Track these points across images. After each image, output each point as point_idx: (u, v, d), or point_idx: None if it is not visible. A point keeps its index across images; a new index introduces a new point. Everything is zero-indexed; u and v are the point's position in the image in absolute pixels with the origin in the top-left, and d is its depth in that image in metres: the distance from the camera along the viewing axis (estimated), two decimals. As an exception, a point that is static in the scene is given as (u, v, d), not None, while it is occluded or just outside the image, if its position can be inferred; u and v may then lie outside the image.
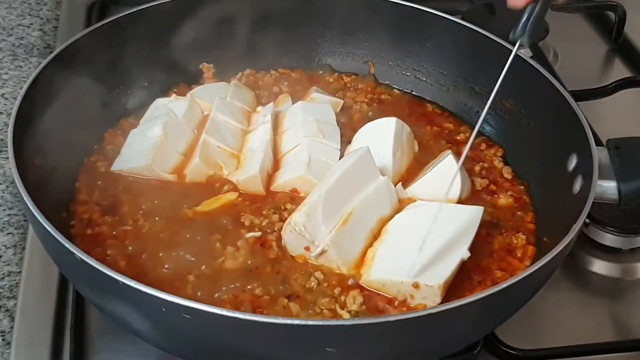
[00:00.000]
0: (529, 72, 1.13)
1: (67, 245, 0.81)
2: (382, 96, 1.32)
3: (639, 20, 1.66)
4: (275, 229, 1.02)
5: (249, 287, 0.95)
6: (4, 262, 1.10)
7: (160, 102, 1.20)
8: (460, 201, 1.08)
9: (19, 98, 0.99)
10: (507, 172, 1.17)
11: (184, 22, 1.25)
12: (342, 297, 0.94)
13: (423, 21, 1.27)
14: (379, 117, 1.17)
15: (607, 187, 0.97)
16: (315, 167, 1.08)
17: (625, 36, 1.64)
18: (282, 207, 1.05)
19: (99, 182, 1.09)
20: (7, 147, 0.93)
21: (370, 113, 1.26)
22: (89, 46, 1.14)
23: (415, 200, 1.06)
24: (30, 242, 1.11)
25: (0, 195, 1.20)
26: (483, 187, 1.13)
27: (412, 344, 0.82)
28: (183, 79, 1.29)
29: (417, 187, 1.09)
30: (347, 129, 1.20)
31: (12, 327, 1.01)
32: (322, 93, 1.28)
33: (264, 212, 1.05)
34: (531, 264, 0.99)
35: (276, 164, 1.13)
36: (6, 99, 1.38)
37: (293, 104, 1.24)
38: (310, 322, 0.76)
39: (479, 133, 1.24)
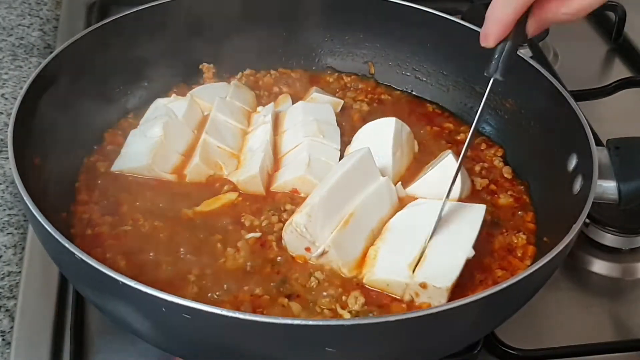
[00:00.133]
0: (529, 72, 1.13)
1: (67, 246, 0.81)
2: (382, 96, 1.32)
3: (639, 20, 1.66)
4: (275, 229, 1.02)
5: (249, 287, 0.95)
6: (4, 262, 1.10)
7: (160, 102, 1.20)
8: (460, 200, 1.08)
9: (19, 98, 0.99)
10: (507, 172, 1.17)
11: (184, 22, 1.25)
12: (344, 297, 0.94)
13: (423, 21, 1.27)
14: (379, 117, 1.17)
15: (607, 187, 0.97)
16: (316, 168, 1.08)
17: (625, 36, 1.64)
18: (282, 208, 1.05)
19: (99, 182, 1.09)
20: (7, 147, 0.93)
21: (370, 113, 1.26)
22: (89, 46, 1.14)
23: (415, 199, 1.06)
24: (30, 242, 1.11)
25: (0, 195, 1.20)
26: (483, 187, 1.13)
27: (412, 344, 0.82)
28: (183, 79, 1.29)
29: (417, 187, 1.09)
30: (347, 129, 1.20)
31: (12, 327, 1.01)
32: (322, 93, 1.28)
33: (263, 213, 1.05)
34: (531, 263, 0.99)
35: (276, 164, 1.13)
36: (6, 99, 1.38)
37: (293, 104, 1.24)
38: (310, 322, 0.76)
39: (479, 133, 1.25)
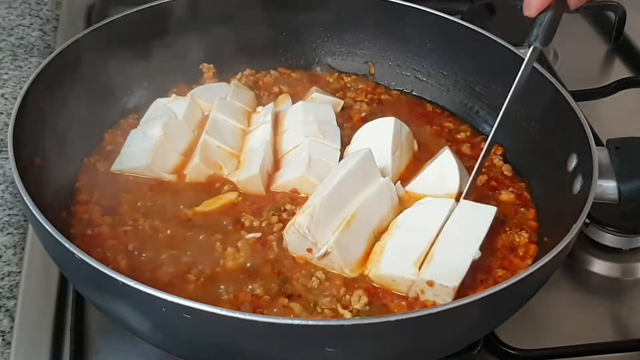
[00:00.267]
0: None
1: (67, 246, 0.81)
2: (382, 96, 1.32)
3: (639, 20, 1.66)
4: (275, 229, 1.02)
5: (249, 287, 0.95)
6: (4, 262, 1.10)
7: (160, 102, 1.20)
8: (460, 196, 1.08)
9: (19, 98, 0.99)
10: (507, 170, 1.17)
11: (184, 22, 1.25)
12: (347, 297, 0.94)
13: (423, 21, 1.27)
14: (379, 117, 1.17)
15: (607, 187, 0.97)
16: (316, 168, 1.08)
17: (625, 36, 1.64)
18: (282, 208, 1.05)
19: (99, 182, 1.09)
20: (7, 147, 0.93)
21: (370, 113, 1.26)
22: (89, 46, 1.14)
23: (414, 196, 1.06)
24: (30, 242, 1.11)
25: (0, 195, 1.20)
26: (483, 183, 1.13)
27: (412, 343, 0.82)
28: (183, 79, 1.29)
29: (415, 184, 1.09)
30: (347, 129, 1.20)
31: (12, 327, 1.01)
32: (322, 93, 1.28)
33: (264, 213, 1.05)
34: (533, 262, 0.99)
35: (276, 164, 1.13)
36: (6, 99, 1.38)
37: (293, 104, 1.24)
38: (310, 322, 0.76)
39: (479, 132, 1.25)
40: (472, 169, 1.15)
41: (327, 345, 0.77)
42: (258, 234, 1.02)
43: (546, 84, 1.11)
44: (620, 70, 1.58)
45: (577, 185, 0.99)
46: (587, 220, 1.15)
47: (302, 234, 0.96)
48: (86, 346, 0.98)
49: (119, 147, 1.14)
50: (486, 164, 1.18)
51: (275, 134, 1.16)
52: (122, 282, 0.77)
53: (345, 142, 1.15)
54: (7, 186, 1.21)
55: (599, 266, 1.16)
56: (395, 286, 0.95)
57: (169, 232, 1.02)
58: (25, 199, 0.86)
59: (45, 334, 0.99)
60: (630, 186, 0.97)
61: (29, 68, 1.46)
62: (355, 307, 0.93)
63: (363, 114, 1.26)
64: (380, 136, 1.12)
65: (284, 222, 1.02)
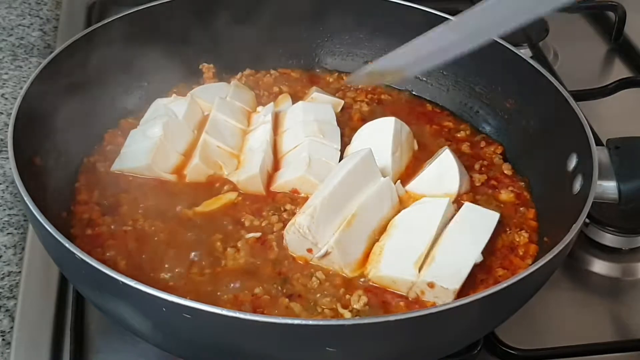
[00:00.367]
0: (529, 72, 1.13)
1: (67, 246, 0.81)
2: (382, 96, 1.32)
3: (639, 20, 1.66)
4: (275, 229, 1.02)
5: (249, 287, 0.95)
6: (4, 262, 1.10)
7: (160, 102, 1.20)
8: (459, 196, 1.08)
9: (19, 98, 0.99)
10: (507, 169, 1.17)
11: (183, 22, 1.25)
12: (347, 296, 0.94)
13: (423, 21, 1.26)
14: (379, 117, 1.17)
15: (607, 187, 0.97)
16: (316, 168, 1.08)
17: (625, 36, 1.64)
18: (282, 208, 1.05)
19: (99, 182, 1.09)
20: (7, 147, 0.93)
21: (370, 113, 1.26)
22: (89, 46, 1.14)
23: (414, 196, 1.07)
24: (30, 242, 1.11)
25: (0, 195, 1.20)
26: (482, 182, 1.13)
27: (412, 343, 0.82)
28: (183, 79, 1.29)
29: (415, 184, 1.09)
30: (347, 129, 1.20)
31: (12, 327, 1.01)
32: (322, 93, 1.28)
33: (263, 213, 1.05)
34: (533, 262, 0.99)
35: (276, 164, 1.13)
36: (6, 99, 1.38)
37: (293, 104, 1.24)
38: (311, 322, 0.76)
39: (478, 132, 1.25)
40: (472, 168, 1.16)
41: (327, 345, 0.77)
42: (258, 234, 1.02)
43: (546, 84, 1.11)
44: (620, 70, 1.58)
45: (577, 185, 0.99)
46: (587, 220, 1.15)
47: (303, 234, 0.96)
48: (86, 346, 0.98)
49: (119, 147, 1.14)
50: (485, 162, 1.18)
51: (275, 134, 1.16)
52: (122, 282, 0.77)
53: (345, 142, 1.15)
54: (7, 186, 1.21)
55: (599, 266, 1.16)
56: (396, 287, 0.95)
57: (169, 232, 1.02)
58: (25, 199, 0.86)
59: (45, 334, 0.99)
60: (630, 186, 0.97)
61: (29, 68, 1.46)
62: (355, 307, 0.93)
63: (363, 114, 1.26)
64: (380, 136, 1.12)
65: (284, 222, 1.02)
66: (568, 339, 1.04)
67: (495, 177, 1.15)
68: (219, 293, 0.94)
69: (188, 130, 1.15)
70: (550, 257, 0.83)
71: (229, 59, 1.31)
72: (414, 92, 1.33)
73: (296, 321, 0.75)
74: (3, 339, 1.00)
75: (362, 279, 0.97)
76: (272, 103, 1.23)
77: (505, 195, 1.12)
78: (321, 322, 0.79)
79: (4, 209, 1.18)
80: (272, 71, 1.34)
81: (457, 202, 1.07)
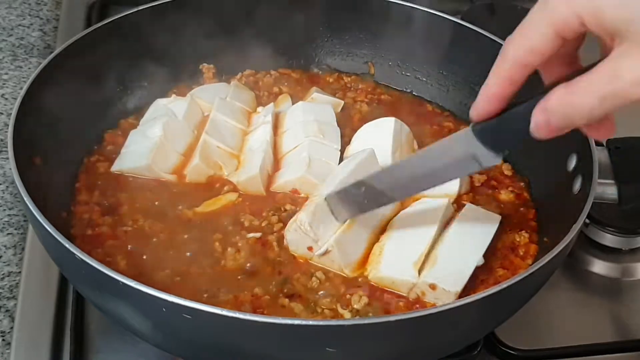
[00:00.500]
0: (528, 72, 1.13)
1: (67, 246, 0.81)
2: (382, 96, 1.32)
3: (638, 20, 1.66)
4: (275, 229, 1.02)
5: (249, 287, 0.95)
6: (4, 262, 1.10)
7: (160, 102, 1.20)
8: (459, 196, 1.08)
9: (19, 98, 0.99)
10: (506, 169, 1.17)
11: (183, 22, 1.25)
12: (347, 297, 0.94)
13: (423, 21, 1.27)
14: (379, 117, 1.17)
15: (607, 187, 0.97)
16: (316, 168, 1.08)
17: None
18: (283, 209, 1.05)
19: (99, 182, 1.09)
20: (7, 147, 0.93)
21: (370, 113, 1.26)
22: (89, 46, 1.14)
23: (413, 196, 1.06)
24: (30, 242, 1.11)
25: (0, 195, 1.20)
26: (482, 182, 1.13)
27: (412, 343, 0.82)
28: (183, 79, 1.29)
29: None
30: (347, 129, 1.20)
31: (12, 327, 1.01)
32: (322, 93, 1.28)
33: (264, 214, 1.05)
34: (533, 262, 0.99)
35: (276, 164, 1.13)
36: (6, 99, 1.38)
37: (293, 104, 1.24)
38: (311, 322, 0.76)
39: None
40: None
41: (327, 345, 0.77)
42: (258, 234, 1.02)
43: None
44: (620, 71, 1.58)
45: (577, 185, 0.99)
46: (587, 220, 1.15)
47: (304, 231, 0.95)
48: (86, 346, 0.98)
49: (119, 147, 1.14)
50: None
51: (275, 134, 1.16)
52: (122, 282, 0.77)
53: (345, 142, 1.15)
54: (7, 186, 1.21)
55: (599, 266, 1.16)
56: (395, 287, 0.95)
57: (169, 232, 1.02)
58: (25, 199, 0.86)
59: (45, 334, 0.99)
60: (630, 186, 0.97)
61: (29, 68, 1.46)
62: (355, 307, 0.93)
63: (363, 115, 1.26)
64: (381, 136, 1.12)
65: (284, 222, 1.02)
66: (568, 339, 1.04)
67: (495, 177, 1.15)
68: (219, 293, 0.94)
69: (188, 131, 1.15)
70: (550, 257, 0.83)
71: (229, 59, 1.31)
72: (414, 93, 1.33)
73: (296, 321, 0.75)
74: (3, 339, 1.00)
75: (360, 279, 0.97)
76: (272, 103, 1.23)
77: (505, 195, 1.12)
78: (321, 322, 0.79)
79: (4, 209, 1.18)
80: (272, 71, 1.34)
81: (457, 203, 1.08)
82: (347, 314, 0.92)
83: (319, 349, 0.78)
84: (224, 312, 0.74)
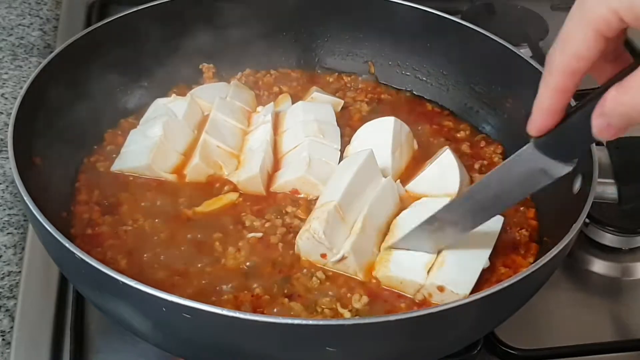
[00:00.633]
0: (529, 71, 1.13)
1: (67, 246, 0.81)
2: (382, 96, 1.32)
3: (638, 20, 1.66)
4: (276, 229, 1.02)
5: (249, 286, 0.95)
6: (4, 262, 1.10)
7: (160, 102, 1.20)
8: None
9: (19, 98, 0.99)
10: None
11: (183, 22, 1.25)
12: (347, 296, 0.94)
13: (423, 21, 1.27)
14: (379, 117, 1.17)
15: (607, 187, 0.97)
16: (316, 168, 1.08)
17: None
18: (284, 211, 1.05)
19: (99, 182, 1.09)
20: (7, 147, 0.93)
21: (370, 113, 1.26)
22: (88, 46, 1.14)
23: (413, 196, 1.06)
24: (30, 242, 1.11)
25: (0, 195, 1.20)
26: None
27: (412, 343, 0.82)
28: (183, 79, 1.29)
29: (415, 183, 1.09)
30: (347, 129, 1.20)
31: (12, 327, 1.01)
32: (322, 93, 1.28)
33: (265, 215, 1.05)
34: (534, 261, 0.99)
35: (276, 164, 1.13)
36: (6, 99, 1.38)
37: (293, 103, 1.24)
38: (311, 322, 0.76)
39: (478, 132, 1.25)
40: (472, 168, 1.16)
41: (327, 345, 0.77)
42: (259, 234, 1.02)
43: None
44: (620, 70, 1.58)
45: (577, 185, 0.99)
46: (587, 220, 1.15)
47: (318, 240, 0.95)
48: (86, 346, 0.98)
49: (119, 147, 1.14)
50: (485, 162, 1.18)
51: (275, 134, 1.16)
52: (122, 282, 0.77)
53: (345, 142, 1.15)
54: (7, 186, 1.21)
55: (599, 266, 1.16)
56: (402, 288, 0.94)
57: (169, 232, 1.02)
58: (25, 199, 0.86)
59: (45, 334, 0.99)
60: (630, 186, 0.97)
61: (29, 68, 1.46)
62: (355, 306, 0.93)
63: (363, 114, 1.26)
64: (380, 136, 1.12)
65: (284, 222, 1.02)
66: (568, 339, 1.04)
67: (495, 177, 1.15)
68: (219, 293, 0.94)
69: (188, 130, 1.15)
70: (550, 257, 0.83)
71: (229, 59, 1.31)
72: (414, 92, 1.33)
73: (296, 321, 0.75)
74: (3, 339, 1.00)
75: (365, 280, 0.96)
76: (272, 103, 1.23)
77: (505, 194, 1.12)
78: (321, 322, 0.79)
79: (4, 209, 1.18)
80: (272, 71, 1.34)
81: (458, 202, 1.07)
82: (347, 313, 0.92)
83: (319, 348, 0.78)
84: (224, 312, 0.74)
